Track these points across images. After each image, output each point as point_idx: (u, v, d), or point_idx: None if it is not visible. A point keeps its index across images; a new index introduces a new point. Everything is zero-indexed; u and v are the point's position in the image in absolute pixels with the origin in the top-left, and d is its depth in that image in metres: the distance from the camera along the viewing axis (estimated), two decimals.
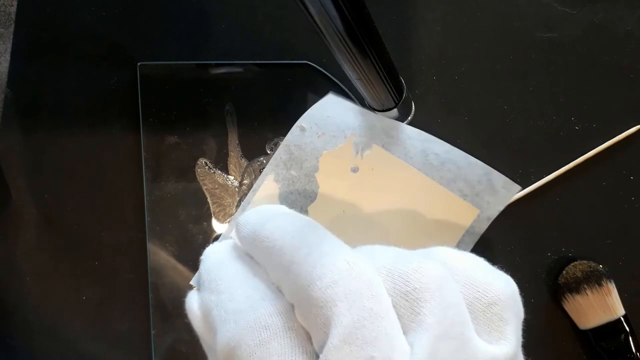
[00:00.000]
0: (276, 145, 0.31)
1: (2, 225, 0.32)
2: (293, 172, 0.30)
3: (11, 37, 0.34)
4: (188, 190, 0.31)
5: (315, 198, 0.29)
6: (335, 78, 0.31)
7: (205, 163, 0.31)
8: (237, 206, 0.31)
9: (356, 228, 0.29)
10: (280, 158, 0.29)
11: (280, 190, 0.30)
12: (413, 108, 0.28)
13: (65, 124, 0.33)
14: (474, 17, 0.32)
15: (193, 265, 0.31)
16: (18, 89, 0.33)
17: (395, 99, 0.27)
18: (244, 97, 0.31)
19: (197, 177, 0.31)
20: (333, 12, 0.20)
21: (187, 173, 0.31)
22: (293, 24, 0.32)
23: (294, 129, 0.29)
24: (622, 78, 0.32)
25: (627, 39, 0.32)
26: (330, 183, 0.29)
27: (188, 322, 0.20)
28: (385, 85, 0.26)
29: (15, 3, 0.34)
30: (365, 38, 0.22)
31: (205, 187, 0.31)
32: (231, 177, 0.31)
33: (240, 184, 0.31)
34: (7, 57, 0.34)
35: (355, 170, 0.29)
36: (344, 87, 0.30)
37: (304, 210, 0.29)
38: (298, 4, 0.19)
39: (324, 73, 0.31)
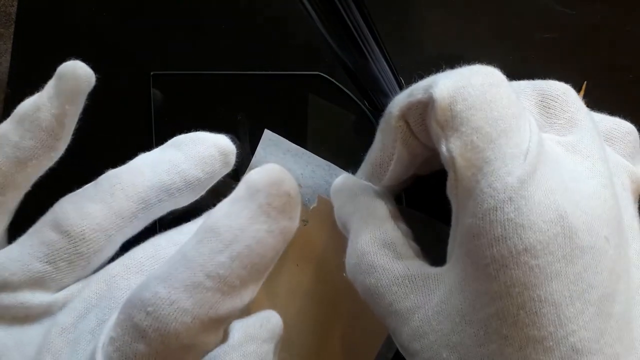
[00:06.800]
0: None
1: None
2: None
3: (11, 37, 0.34)
4: (201, 201, 0.31)
5: None
6: (346, 88, 0.31)
7: None
8: None
9: (310, 282, 0.28)
10: None
11: None
12: None
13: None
14: (474, 17, 0.32)
15: None
16: (18, 89, 0.33)
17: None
18: (255, 107, 0.32)
19: None
20: (334, 13, 0.20)
21: None
22: (305, 35, 0.32)
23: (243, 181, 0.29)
24: (622, 78, 0.32)
25: (627, 39, 0.32)
26: None
27: None
28: (385, 85, 0.26)
29: (15, 3, 0.34)
30: (365, 39, 0.22)
31: (218, 196, 0.31)
32: None
33: None
34: (8, 57, 0.34)
35: (305, 222, 0.29)
36: (354, 97, 0.31)
37: None
38: (300, 4, 0.19)
39: (336, 84, 0.31)
